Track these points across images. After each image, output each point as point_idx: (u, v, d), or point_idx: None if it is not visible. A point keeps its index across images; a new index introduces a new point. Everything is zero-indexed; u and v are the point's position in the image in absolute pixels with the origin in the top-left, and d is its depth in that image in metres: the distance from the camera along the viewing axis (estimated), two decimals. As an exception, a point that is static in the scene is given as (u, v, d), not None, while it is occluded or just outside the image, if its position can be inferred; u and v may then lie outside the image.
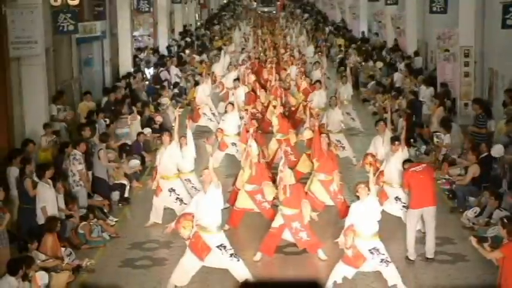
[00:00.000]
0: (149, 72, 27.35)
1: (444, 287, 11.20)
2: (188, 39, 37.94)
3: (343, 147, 17.63)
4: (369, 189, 10.78)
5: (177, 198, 13.58)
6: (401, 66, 25.75)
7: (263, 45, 33.52)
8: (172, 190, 13.59)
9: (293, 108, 21.64)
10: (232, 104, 17.82)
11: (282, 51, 31.69)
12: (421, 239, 12.17)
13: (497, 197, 13.20)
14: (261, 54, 29.91)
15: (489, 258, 10.59)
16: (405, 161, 12.65)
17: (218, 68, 26.81)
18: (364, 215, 10.70)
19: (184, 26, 40.50)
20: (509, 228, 10.10)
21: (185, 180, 14.05)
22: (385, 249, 10.81)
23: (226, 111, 17.72)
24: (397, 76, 25.14)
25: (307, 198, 12.61)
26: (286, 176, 11.86)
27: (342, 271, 10.86)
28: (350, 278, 10.97)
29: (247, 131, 14.87)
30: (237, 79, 22.03)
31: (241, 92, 20.81)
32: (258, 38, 37.91)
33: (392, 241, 12.16)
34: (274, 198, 13.08)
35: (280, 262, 12.12)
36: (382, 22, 33.13)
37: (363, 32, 37.50)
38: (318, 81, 21.43)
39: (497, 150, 14.97)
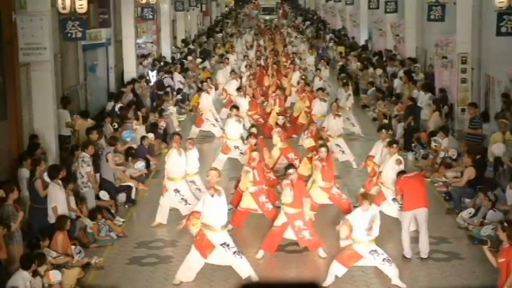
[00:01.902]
0: (152, 75, 27.80)
1: (439, 284, 11.66)
2: (191, 46, 38.44)
3: (343, 152, 18.04)
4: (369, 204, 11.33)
5: (182, 198, 14.04)
6: (400, 73, 26.14)
7: (264, 53, 33.96)
8: (177, 191, 14.05)
9: (295, 115, 22.13)
10: (237, 108, 18.23)
11: (283, 59, 32.11)
12: (417, 239, 12.60)
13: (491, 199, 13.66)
14: (262, 61, 30.36)
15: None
16: (399, 172, 13.14)
17: (221, 76, 27.28)
18: (363, 222, 11.20)
19: (185, 37, 40.99)
20: (509, 232, 10.32)
21: (190, 182, 14.53)
22: (382, 251, 11.33)
23: (230, 114, 18.13)
24: (397, 82, 25.57)
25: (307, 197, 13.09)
26: (286, 196, 12.34)
27: (335, 269, 11.33)
28: (347, 276, 11.44)
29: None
30: (240, 87, 22.47)
31: (245, 100, 21.22)
32: (260, 46, 38.39)
33: (389, 240, 12.67)
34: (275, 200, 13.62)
35: (281, 260, 12.55)
36: (383, 30, 33.55)
37: (366, 40, 37.95)
38: (321, 88, 21.91)
39: (497, 149, 15.49)
